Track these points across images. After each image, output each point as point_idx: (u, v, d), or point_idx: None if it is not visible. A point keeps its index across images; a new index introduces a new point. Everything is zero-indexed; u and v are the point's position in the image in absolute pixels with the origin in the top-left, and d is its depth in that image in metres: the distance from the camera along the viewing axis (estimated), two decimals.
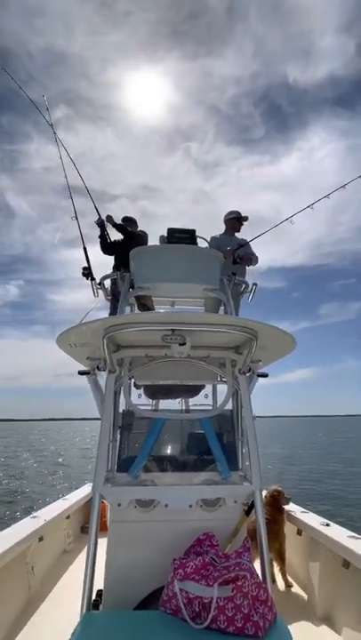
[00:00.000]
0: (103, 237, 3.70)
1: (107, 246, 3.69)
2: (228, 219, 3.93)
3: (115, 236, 3.80)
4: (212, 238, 3.84)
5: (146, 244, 3.73)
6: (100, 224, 3.67)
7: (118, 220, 3.84)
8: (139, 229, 3.97)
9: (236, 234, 3.96)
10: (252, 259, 3.75)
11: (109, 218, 3.69)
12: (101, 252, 3.69)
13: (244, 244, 3.75)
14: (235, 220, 3.91)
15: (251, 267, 3.80)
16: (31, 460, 25.29)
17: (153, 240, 3.54)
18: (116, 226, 3.69)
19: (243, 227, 3.97)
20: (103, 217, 3.71)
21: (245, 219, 3.94)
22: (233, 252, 3.57)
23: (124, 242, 3.65)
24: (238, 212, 3.93)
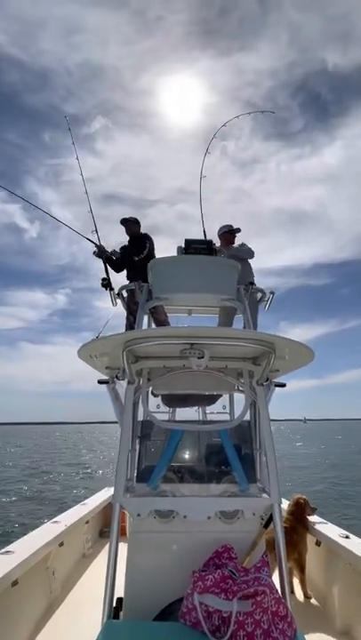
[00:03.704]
0: (110, 261, 3.79)
1: (115, 265, 3.83)
2: (222, 233, 3.98)
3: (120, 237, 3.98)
4: None
5: (145, 247, 3.83)
6: (99, 254, 3.76)
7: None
8: (141, 232, 4.05)
9: (233, 245, 4.00)
10: (243, 254, 3.80)
11: (99, 251, 3.79)
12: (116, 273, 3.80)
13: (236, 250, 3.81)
14: (228, 234, 3.96)
15: (250, 259, 3.86)
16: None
17: (163, 246, 3.59)
18: (107, 260, 3.76)
19: (236, 238, 4.02)
20: (99, 249, 3.82)
21: (238, 230, 4.01)
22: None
23: (125, 254, 3.82)
24: (230, 226, 4.01)
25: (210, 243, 2.96)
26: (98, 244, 3.73)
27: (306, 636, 1.70)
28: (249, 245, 3.91)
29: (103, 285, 3.33)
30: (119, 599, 2.04)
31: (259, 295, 3.40)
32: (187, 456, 2.76)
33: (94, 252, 3.74)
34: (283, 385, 2.72)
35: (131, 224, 3.98)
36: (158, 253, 3.88)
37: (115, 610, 1.96)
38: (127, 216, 4.01)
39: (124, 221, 3.98)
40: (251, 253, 3.86)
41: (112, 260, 3.79)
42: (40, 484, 16.41)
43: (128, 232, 3.99)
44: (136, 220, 4.03)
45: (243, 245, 3.92)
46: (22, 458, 29.26)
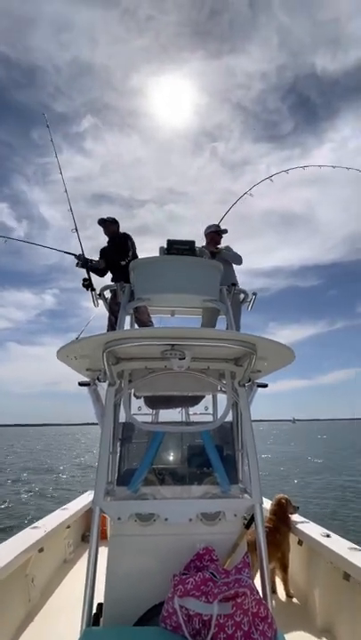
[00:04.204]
0: (93, 269, 3.71)
1: (99, 271, 3.78)
2: (208, 232, 4.01)
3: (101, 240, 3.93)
4: None
5: (129, 248, 3.78)
6: (83, 265, 3.67)
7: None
8: (121, 232, 3.99)
9: (219, 246, 4.03)
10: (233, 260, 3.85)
11: (80, 258, 3.70)
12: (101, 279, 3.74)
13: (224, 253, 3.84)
14: (214, 234, 3.98)
15: (238, 266, 3.90)
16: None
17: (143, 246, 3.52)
18: (90, 269, 3.68)
19: (222, 239, 4.06)
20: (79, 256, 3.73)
21: (224, 231, 4.04)
22: (212, 248, 3.74)
23: (107, 258, 3.78)
24: (217, 226, 4.04)
25: (192, 243, 2.95)
26: (78, 254, 3.63)
27: (287, 636, 1.70)
28: (239, 246, 3.95)
29: (84, 286, 3.28)
30: (99, 605, 2.01)
31: (241, 296, 3.42)
32: (169, 458, 2.74)
33: (77, 264, 3.64)
34: (265, 385, 2.73)
35: (109, 224, 3.92)
36: (148, 254, 3.84)
37: (95, 616, 1.93)
38: (105, 216, 3.95)
39: (102, 222, 3.92)
40: (239, 259, 3.89)
41: (97, 271, 3.72)
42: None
43: (106, 232, 3.93)
44: (114, 219, 3.96)
45: (228, 249, 3.94)
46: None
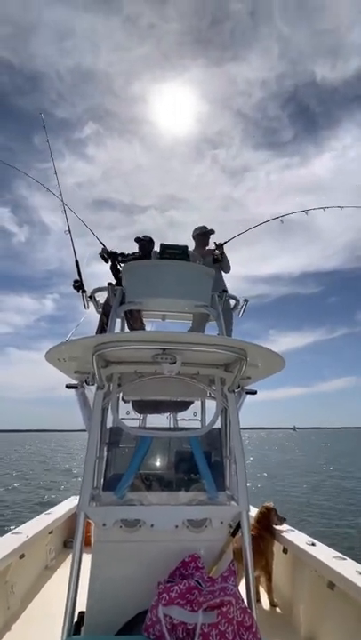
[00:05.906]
0: (115, 268, 3.64)
1: (118, 274, 3.69)
2: (195, 234, 4.01)
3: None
4: None
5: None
6: (106, 257, 3.56)
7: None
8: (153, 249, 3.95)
9: (207, 247, 4.02)
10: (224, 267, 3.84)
11: (104, 251, 3.62)
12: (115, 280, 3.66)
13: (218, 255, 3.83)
14: (202, 236, 3.99)
15: (226, 274, 3.88)
16: None
17: None
18: (112, 258, 3.59)
19: (210, 239, 4.03)
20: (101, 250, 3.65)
21: (211, 232, 4.02)
22: (213, 252, 3.72)
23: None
24: (204, 227, 4.03)
25: (185, 248, 2.96)
26: (103, 245, 3.55)
27: None
28: (237, 253, 3.92)
29: (75, 287, 3.24)
30: (81, 613, 1.96)
31: (232, 302, 3.43)
32: (156, 463, 2.71)
33: (102, 255, 3.50)
34: (254, 392, 2.73)
35: (145, 243, 3.95)
36: None
37: (76, 625, 1.88)
38: (141, 235, 3.95)
39: (139, 240, 3.95)
40: (228, 267, 3.91)
41: (117, 273, 3.63)
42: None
43: (141, 250, 3.92)
44: (151, 239, 4.00)
45: (214, 252, 3.94)
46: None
